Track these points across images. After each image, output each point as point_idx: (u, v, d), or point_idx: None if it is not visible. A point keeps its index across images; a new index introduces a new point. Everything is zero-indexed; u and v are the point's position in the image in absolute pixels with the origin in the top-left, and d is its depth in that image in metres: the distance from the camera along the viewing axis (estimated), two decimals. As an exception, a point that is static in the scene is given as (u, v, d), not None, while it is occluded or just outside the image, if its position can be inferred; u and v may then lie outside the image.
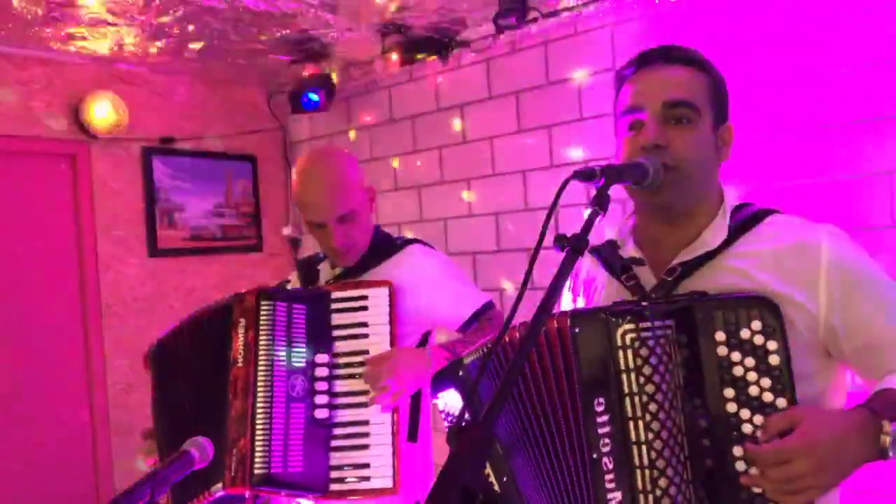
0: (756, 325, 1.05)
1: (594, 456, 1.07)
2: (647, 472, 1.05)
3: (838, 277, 1.12)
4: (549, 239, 1.05)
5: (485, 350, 1.26)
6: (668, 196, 1.18)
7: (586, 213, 1.08)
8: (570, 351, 1.11)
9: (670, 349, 1.07)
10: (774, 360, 1.04)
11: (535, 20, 3.22)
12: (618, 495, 1.06)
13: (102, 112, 3.63)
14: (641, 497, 1.05)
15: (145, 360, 1.83)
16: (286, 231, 4.52)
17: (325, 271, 1.94)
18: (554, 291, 0.99)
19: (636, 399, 1.07)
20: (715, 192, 1.24)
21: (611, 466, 1.07)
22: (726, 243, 1.18)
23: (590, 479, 1.08)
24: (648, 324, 1.08)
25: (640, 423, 1.06)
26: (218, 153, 4.25)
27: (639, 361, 1.07)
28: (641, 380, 1.07)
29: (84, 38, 3.36)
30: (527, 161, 3.41)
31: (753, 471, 1.02)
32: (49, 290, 3.64)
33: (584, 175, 1.11)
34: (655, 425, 1.06)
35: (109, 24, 3.17)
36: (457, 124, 3.68)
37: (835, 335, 1.12)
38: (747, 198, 1.29)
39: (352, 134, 4.16)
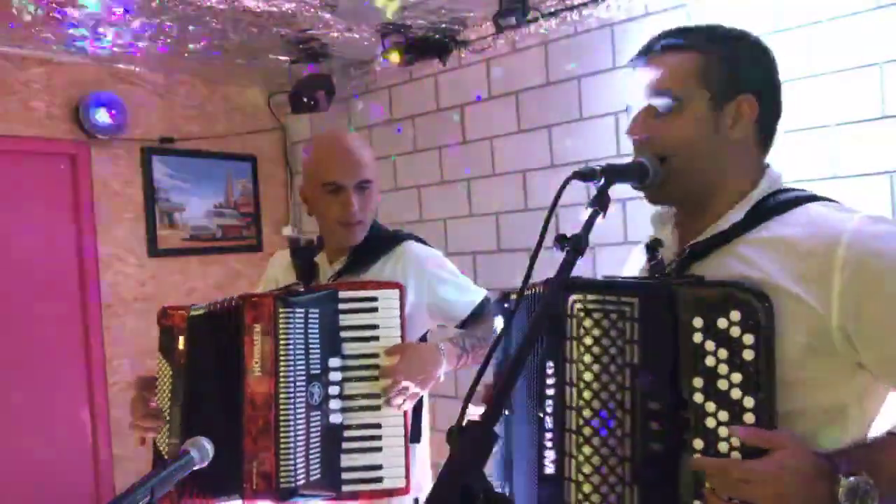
0: (735, 315, 0.99)
1: (540, 414, 1.12)
2: (573, 436, 1.07)
3: (857, 276, 0.98)
4: (549, 239, 1.05)
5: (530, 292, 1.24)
6: (670, 190, 1.16)
7: (586, 213, 1.08)
8: (540, 315, 1.11)
9: (624, 326, 1.06)
10: (748, 355, 0.98)
11: (535, 20, 3.23)
12: (552, 454, 1.10)
13: (102, 112, 3.63)
14: (566, 459, 1.08)
15: (175, 319, 1.74)
16: (286, 231, 4.52)
17: (323, 266, 1.92)
18: (552, 295, 1.00)
19: (574, 366, 1.09)
20: (740, 174, 1.15)
21: (550, 426, 1.11)
22: (744, 228, 1.10)
23: (536, 436, 1.13)
24: (596, 296, 1.09)
25: (575, 390, 1.08)
26: (218, 153, 4.25)
27: (582, 331, 1.09)
28: (581, 348, 1.09)
29: (84, 38, 3.36)
30: (527, 161, 3.41)
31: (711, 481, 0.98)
32: (49, 290, 3.64)
33: (584, 175, 1.11)
34: (587, 394, 1.07)
35: (109, 24, 3.17)
36: (457, 124, 3.68)
37: (854, 344, 1.00)
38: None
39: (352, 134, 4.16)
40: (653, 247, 1.22)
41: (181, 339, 1.72)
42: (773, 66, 1.19)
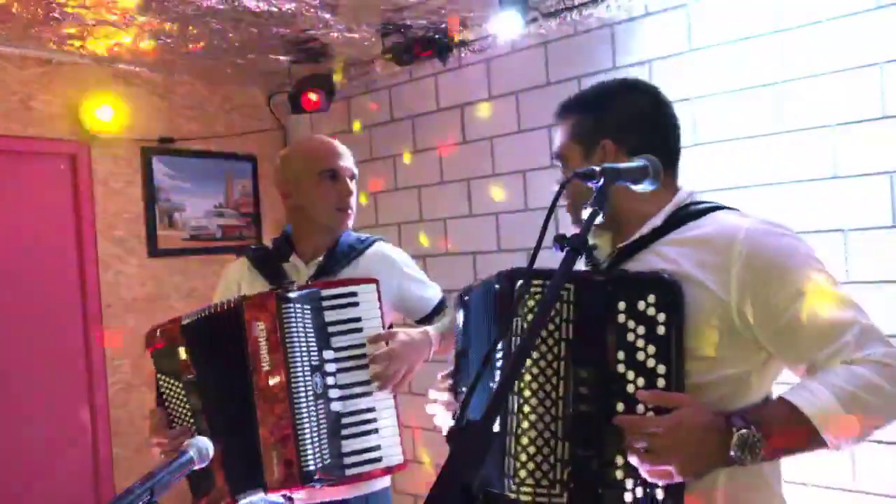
0: (651, 298, 1.20)
1: (490, 384, 1.28)
2: (515, 398, 1.24)
3: (751, 267, 1.19)
4: (549, 239, 1.06)
5: (485, 286, 1.41)
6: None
7: (586, 213, 1.09)
8: (496, 301, 1.33)
9: (561, 307, 1.24)
10: (661, 330, 1.19)
11: (535, 20, 3.23)
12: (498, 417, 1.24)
13: (102, 112, 3.64)
14: (509, 417, 1.24)
15: (168, 332, 1.79)
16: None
17: (297, 266, 1.98)
18: (554, 290, 1.00)
19: (518, 339, 1.25)
20: (633, 197, 1.29)
21: None
22: (660, 233, 1.31)
23: (486, 401, 1.29)
24: (539, 281, 1.25)
25: None
26: (218, 153, 4.25)
27: (525, 309, 1.26)
28: (525, 325, 1.25)
29: (84, 38, 3.36)
30: (527, 161, 3.41)
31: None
32: (49, 290, 3.64)
33: (584, 175, 1.17)
34: (528, 361, 1.23)
35: (109, 24, 3.17)
36: (457, 124, 3.68)
37: (750, 323, 1.20)
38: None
39: (352, 133, 4.16)
40: (590, 250, 1.42)
41: (181, 350, 1.78)
42: (633, 105, 1.38)
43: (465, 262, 3.62)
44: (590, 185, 1.15)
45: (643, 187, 1.23)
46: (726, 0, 2.74)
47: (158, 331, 1.82)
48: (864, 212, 2.47)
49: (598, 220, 1.11)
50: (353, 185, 1.99)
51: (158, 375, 1.84)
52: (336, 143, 2.03)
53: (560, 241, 1.07)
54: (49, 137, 3.61)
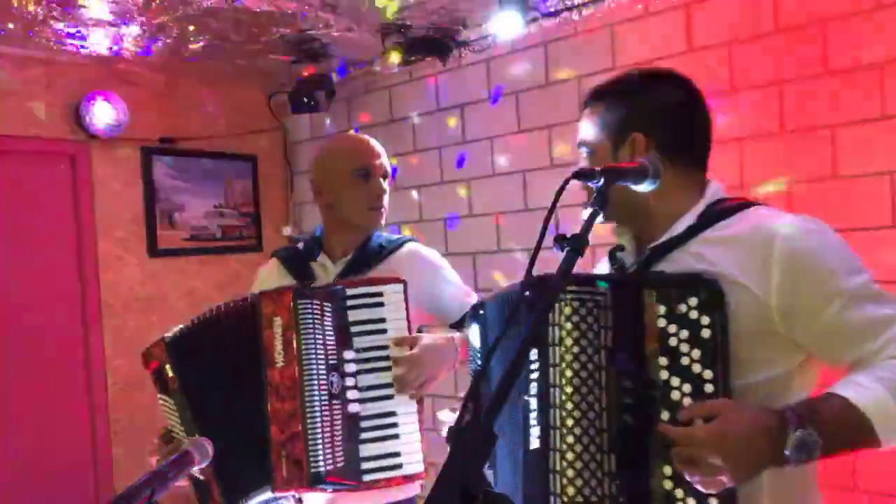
0: (693, 301, 1.15)
1: (525, 397, 1.23)
2: (558, 411, 1.18)
3: (791, 267, 1.15)
4: (549, 239, 1.06)
5: (503, 296, 1.38)
6: (608, 214, 1.28)
7: (586, 213, 1.09)
8: (525, 312, 1.25)
9: (598, 313, 1.19)
10: (706, 333, 1.14)
11: (535, 20, 3.23)
12: (537, 430, 1.21)
13: (102, 112, 3.64)
14: (551, 432, 1.18)
15: (154, 353, 1.78)
16: (286, 231, 4.52)
17: (326, 265, 1.96)
18: (554, 293, 1.00)
19: (556, 349, 1.20)
20: (662, 193, 1.25)
21: (534, 406, 1.22)
22: (694, 231, 1.25)
23: (521, 417, 1.24)
24: (574, 287, 1.20)
25: (558, 370, 1.20)
26: (218, 153, 4.25)
27: (563, 318, 1.20)
28: (563, 333, 1.19)
29: (84, 38, 3.36)
30: (527, 161, 3.41)
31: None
32: (49, 290, 3.64)
33: (584, 175, 1.16)
34: (569, 372, 1.18)
35: (109, 24, 3.17)
36: (457, 124, 3.68)
37: (790, 323, 1.16)
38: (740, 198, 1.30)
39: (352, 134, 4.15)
40: (615, 252, 1.39)
41: (167, 367, 1.75)
42: (667, 97, 1.32)
43: (466, 262, 3.62)
44: (590, 185, 1.15)
45: (644, 187, 1.21)
46: (726, 0, 2.75)
47: (148, 351, 1.80)
48: (864, 212, 2.47)
49: (599, 219, 1.09)
50: (386, 184, 1.96)
51: (158, 396, 1.81)
52: (371, 141, 1.99)
53: (560, 241, 1.05)
54: (49, 137, 3.61)
